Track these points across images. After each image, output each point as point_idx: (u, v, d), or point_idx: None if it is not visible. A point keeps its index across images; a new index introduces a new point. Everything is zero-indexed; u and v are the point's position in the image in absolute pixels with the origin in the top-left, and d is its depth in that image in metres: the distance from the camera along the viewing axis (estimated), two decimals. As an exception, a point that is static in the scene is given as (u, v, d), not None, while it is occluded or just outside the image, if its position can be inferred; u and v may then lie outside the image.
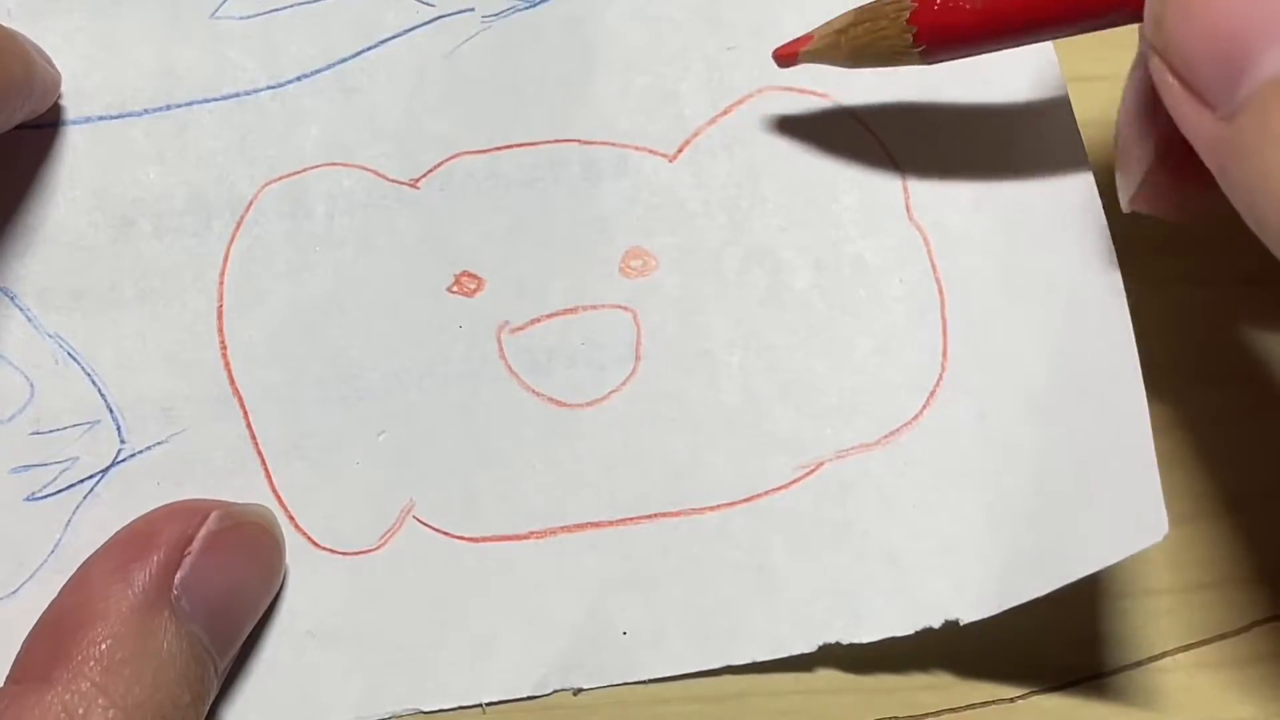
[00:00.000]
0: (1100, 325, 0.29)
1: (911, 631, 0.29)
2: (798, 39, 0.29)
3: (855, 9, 0.28)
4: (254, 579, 0.28)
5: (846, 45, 0.27)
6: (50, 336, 0.30)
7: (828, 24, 0.28)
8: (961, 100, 0.31)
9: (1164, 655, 0.31)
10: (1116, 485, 0.29)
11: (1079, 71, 0.30)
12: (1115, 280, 0.29)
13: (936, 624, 0.29)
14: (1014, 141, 0.31)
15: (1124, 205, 0.27)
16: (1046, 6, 0.25)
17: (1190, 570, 0.31)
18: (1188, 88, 0.22)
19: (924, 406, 0.30)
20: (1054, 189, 0.30)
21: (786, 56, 0.29)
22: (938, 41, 0.26)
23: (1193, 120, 0.22)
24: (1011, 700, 0.30)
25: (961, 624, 0.29)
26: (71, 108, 0.30)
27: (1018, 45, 0.26)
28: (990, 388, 0.30)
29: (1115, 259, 0.29)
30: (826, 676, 0.29)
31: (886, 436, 0.30)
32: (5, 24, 0.29)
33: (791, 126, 0.31)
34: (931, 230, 0.30)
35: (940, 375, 0.30)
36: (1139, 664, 0.31)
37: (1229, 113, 0.21)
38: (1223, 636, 0.31)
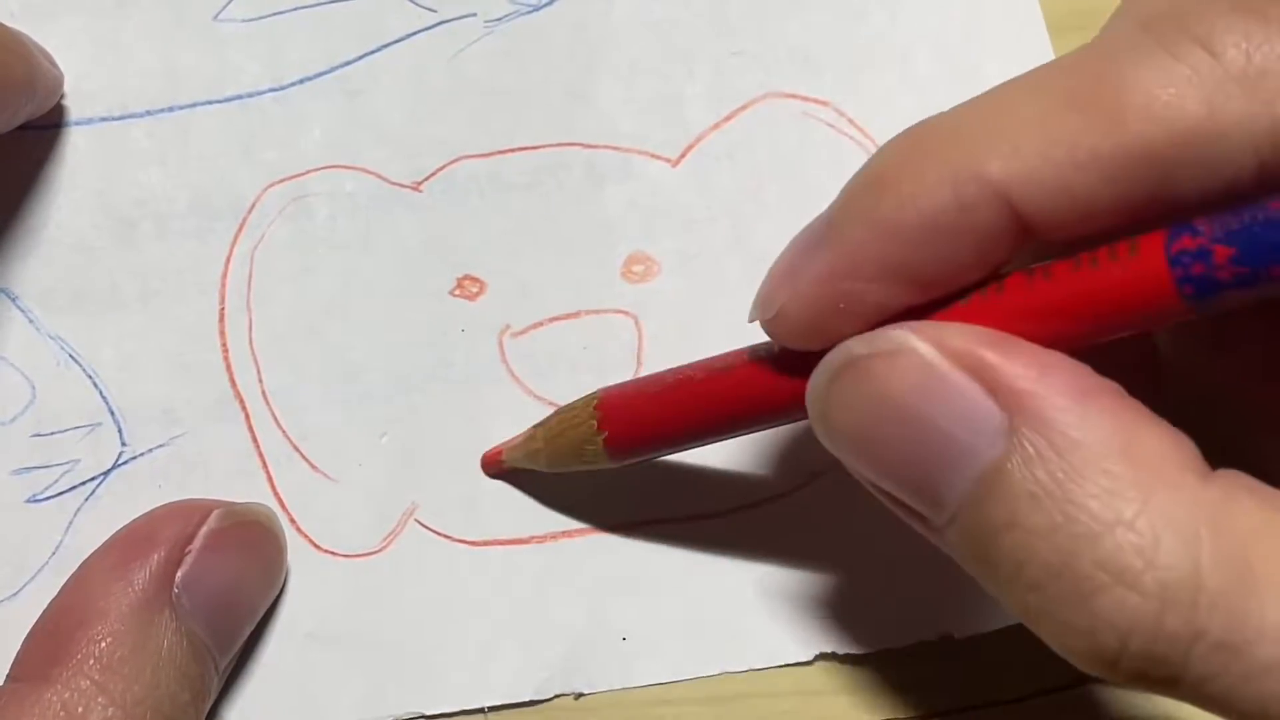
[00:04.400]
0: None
1: (907, 644, 0.29)
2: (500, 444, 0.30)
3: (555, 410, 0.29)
4: (255, 578, 0.28)
5: (541, 437, 0.28)
6: (52, 338, 0.30)
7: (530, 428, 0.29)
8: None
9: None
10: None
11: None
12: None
13: (932, 637, 0.29)
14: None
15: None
16: (711, 413, 0.26)
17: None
18: (895, 504, 0.22)
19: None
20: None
21: (491, 463, 0.30)
22: (620, 429, 0.27)
23: (917, 525, 0.22)
24: (1011, 701, 0.30)
25: (956, 638, 0.29)
26: (74, 109, 0.30)
27: (700, 444, 0.28)
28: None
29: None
30: (826, 678, 0.29)
31: (887, 442, 0.30)
32: (8, 25, 0.29)
33: (795, 132, 0.31)
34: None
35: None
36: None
37: (942, 525, 0.21)
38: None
